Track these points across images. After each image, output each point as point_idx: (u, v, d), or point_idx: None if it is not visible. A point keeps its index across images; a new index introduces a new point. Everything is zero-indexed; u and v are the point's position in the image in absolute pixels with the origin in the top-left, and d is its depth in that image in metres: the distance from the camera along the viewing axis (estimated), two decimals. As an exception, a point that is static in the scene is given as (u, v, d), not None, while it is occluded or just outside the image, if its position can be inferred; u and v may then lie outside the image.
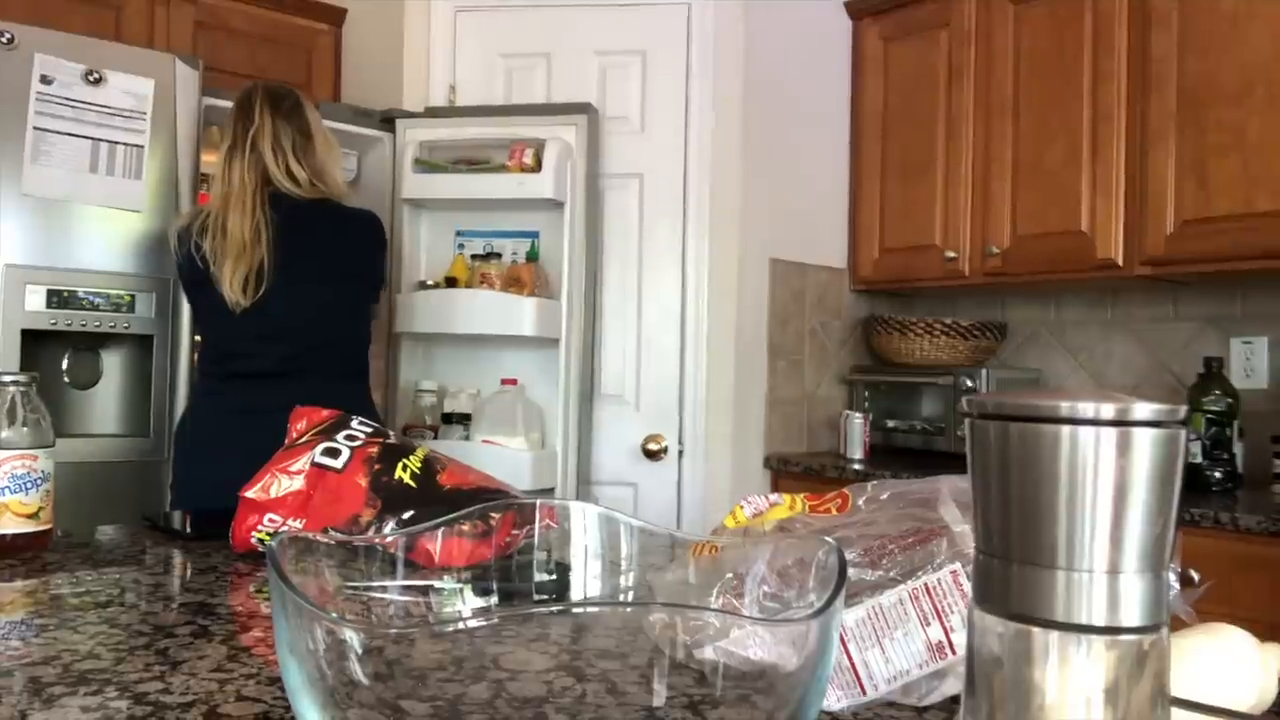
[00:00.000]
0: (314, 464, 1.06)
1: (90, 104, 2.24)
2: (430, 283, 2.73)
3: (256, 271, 1.96)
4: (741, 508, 0.80)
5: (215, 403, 2.06)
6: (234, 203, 1.99)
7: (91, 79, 2.23)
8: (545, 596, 0.71)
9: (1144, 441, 0.36)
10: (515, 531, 0.73)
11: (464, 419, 2.66)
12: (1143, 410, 0.36)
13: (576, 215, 2.61)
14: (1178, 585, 0.61)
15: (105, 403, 2.38)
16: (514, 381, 2.62)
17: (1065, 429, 0.36)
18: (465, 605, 0.70)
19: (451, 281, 2.67)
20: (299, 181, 2.01)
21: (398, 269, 2.78)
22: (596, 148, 2.67)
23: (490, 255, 2.72)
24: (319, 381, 1.98)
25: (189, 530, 1.26)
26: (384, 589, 0.65)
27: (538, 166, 2.57)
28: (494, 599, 0.70)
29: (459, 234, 2.79)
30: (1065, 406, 0.36)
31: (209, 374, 2.10)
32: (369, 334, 2.17)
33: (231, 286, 1.96)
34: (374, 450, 1.08)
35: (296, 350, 2.02)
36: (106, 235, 2.27)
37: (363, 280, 2.12)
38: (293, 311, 2.00)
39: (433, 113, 2.80)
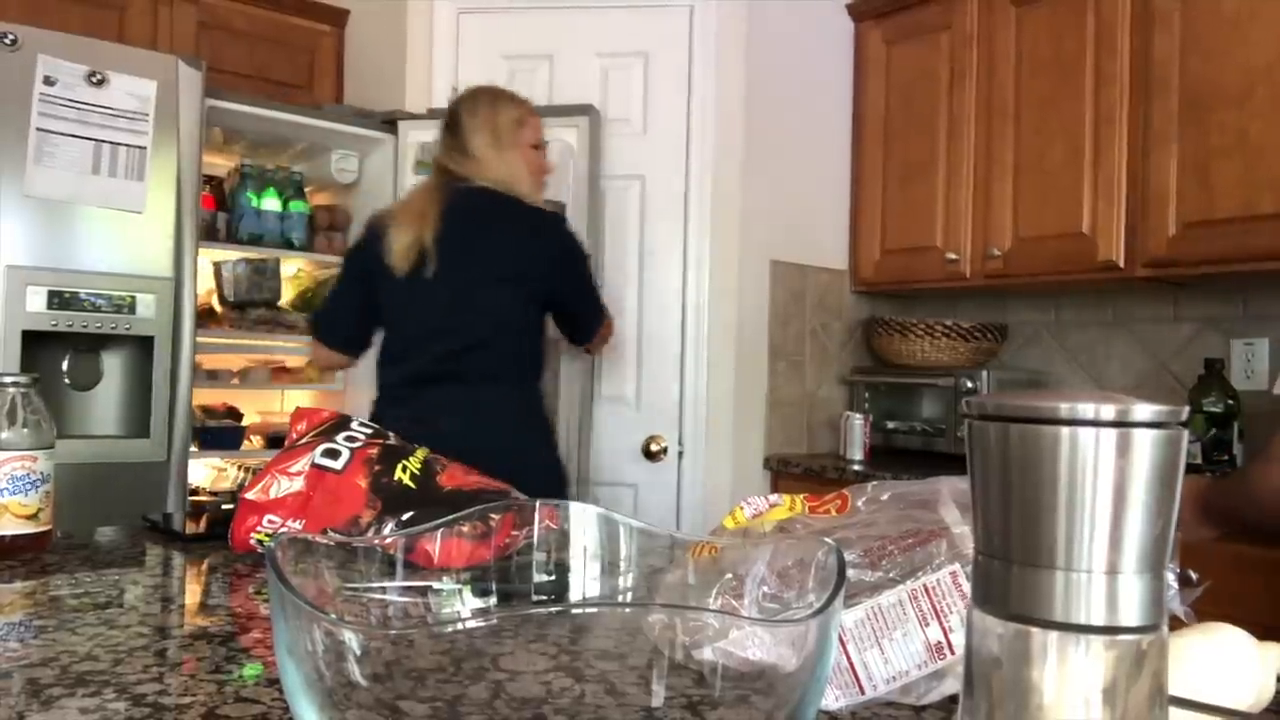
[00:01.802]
0: (314, 465, 1.06)
1: (93, 105, 2.24)
2: None
3: (420, 244, 1.98)
4: (741, 509, 0.80)
5: (388, 410, 2.02)
6: (420, 187, 2.13)
7: (94, 80, 2.24)
8: (544, 597, 0.71)
9: (1144, 443, 0.35)
10: (515, 532, 0.73)
11: None
12: (1143, 411, 0.36)
13: (577, 216, 2.61)
14: (1176, 586, 0.61)
15: (106, 404, 2.38)
16: None
17: (1065, 430, 0.36)
18: (464, 606, 0.69)
19: None
20: (467, 169, 2.04)
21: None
22: (598, 149, 2.67)
23: None
24: (486, 385, 1.98)
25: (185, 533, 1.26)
26: (383, 590, 0.65)
27: None
28: (493, 600, 0.70)
29: None
30: (1065, 408, 0.36)
31: (384, 380, 2.09)
32: (532, 344, 2.07)
33: (395, 251, 1.99)
34: (374, 451, 1.08)
35: (453, 350, 1.98)
36: (108, 236, 2.27)
37: (528, 284, 2.01)
38: (452, 307, 1.98)
39: (435, 114, 2.79)
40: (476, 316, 1.98)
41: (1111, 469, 0.35)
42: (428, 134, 2.75)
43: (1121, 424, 0.35)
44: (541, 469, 2.03)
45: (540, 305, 2.07)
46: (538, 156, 2.16)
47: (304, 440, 1.10)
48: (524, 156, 2.11)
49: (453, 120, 2.11)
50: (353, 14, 3.23)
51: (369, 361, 2.92)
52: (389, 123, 2.81)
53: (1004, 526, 0.38)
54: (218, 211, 2.87)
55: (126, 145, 2.29)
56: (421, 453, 1.10)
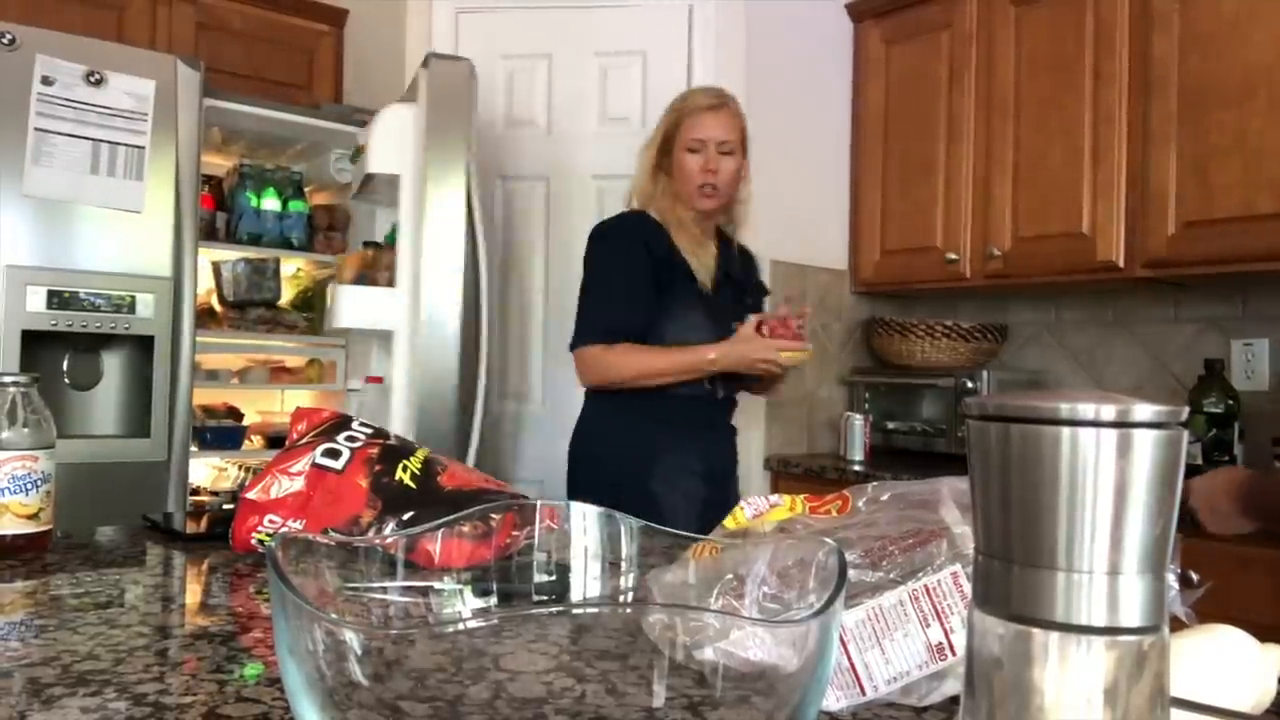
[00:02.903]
0: (314, 465, 1.05)
1: (91, 105, 2.24)
2: None
3: None
4: (742, 509, 0.80)
5: None
6: None
7: (93, 80, 2.23)
8: (545, 597, 0.71)
9: (1144, 443, 0.35)
10: (515, 532, 0.73)
11: None
12: (1143, 412, 0.36)
13: (412, 190, 2.37)
14: (1178, 586, 0.61)
15: (106, 404, 2.38)
16: (379, 379, 2.53)
17: (1065, 430, 0.36)
18: (465, 606, 0.69)
19: None
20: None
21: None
22: (463, 105, 2.36)
23: (370, 245, 2.67)
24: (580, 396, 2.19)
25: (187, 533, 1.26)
26: (384, 590, 0.65)
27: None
28: (494, 600, 0.70)
29: None
30: (1065, 408, 0.36)
31: None
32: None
33: None
34: (374, 451, 1.08)
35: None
36: (107, 236, 2.27)
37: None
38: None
39: (405, 101, 2.79)
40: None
41: (1112, 469, 0.35)
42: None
43: (1122, 424, 0.35)
44: (582, 480, 2.11)
45: None
46: (692, 161, 2.04)
47: (304, 440, 1.10)
48: (679, 163, 2.06)
49: None
50: (351, 14, 3.23)
51: (365, 364, 2.89)
52: (388, 122, 2.81)
53: (1004, 527, 0.38)
54: (217, 211, 2.87)
55: (125, 145, 2.29)
56: (422, 452, 1.10)
